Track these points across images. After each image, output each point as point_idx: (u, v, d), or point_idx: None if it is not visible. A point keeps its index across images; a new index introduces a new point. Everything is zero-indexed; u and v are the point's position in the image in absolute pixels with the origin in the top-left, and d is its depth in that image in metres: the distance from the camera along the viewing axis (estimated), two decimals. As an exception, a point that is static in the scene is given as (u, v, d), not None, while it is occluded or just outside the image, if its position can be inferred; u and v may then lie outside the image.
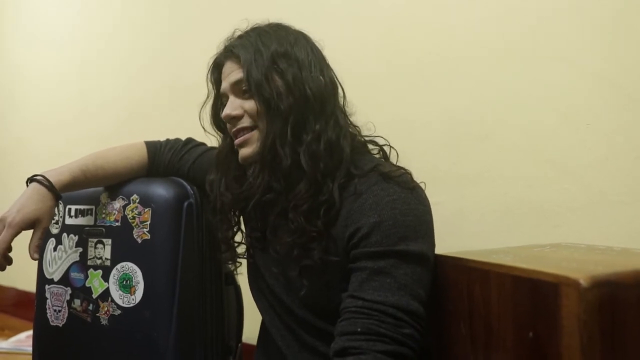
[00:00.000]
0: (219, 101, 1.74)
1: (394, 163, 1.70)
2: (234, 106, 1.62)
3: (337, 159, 1.56)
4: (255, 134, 1.61)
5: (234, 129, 1.65)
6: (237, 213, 1.79)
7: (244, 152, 1.64)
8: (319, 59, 1.66)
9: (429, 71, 2.23)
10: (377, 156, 1.73)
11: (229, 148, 1.73)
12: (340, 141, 1.58)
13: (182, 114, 1.75)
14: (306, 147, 1.55)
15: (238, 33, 1.69)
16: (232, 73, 1.63)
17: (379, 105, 2.25)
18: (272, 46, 1.59)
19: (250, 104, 1.60)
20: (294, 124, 1.55)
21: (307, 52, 1.63)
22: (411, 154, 1.72)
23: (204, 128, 1.79)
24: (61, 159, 1.93)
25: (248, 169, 1.67)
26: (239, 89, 1.62)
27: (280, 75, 1.57)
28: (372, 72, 2.37)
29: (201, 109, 1.78)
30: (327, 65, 1.69)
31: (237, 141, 1.65)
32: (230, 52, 1.65)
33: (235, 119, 1.63)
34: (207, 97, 1.77)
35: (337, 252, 1.54)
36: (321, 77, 1.61)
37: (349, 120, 1.70)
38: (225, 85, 1.66)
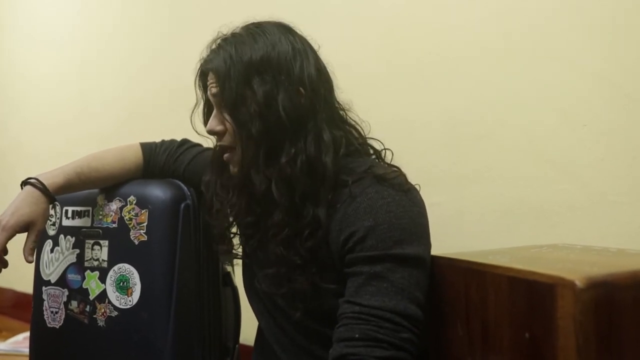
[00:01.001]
0: (209, 104, 1.71)
1: (389, 162, 1.69)
2: (217, 121, 1.61)
3: (318, 178, 1.53)
4: (235, 153, 1.60)
5: (218, 144, 1.66)
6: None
7: (231, 169, 1.64)
8: (302, 59, 1.58)
9: (428, 71, 2.22)
10: (372, 156, 1.71)
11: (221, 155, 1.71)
12: (321, 157, 1.53)
13: (182, 114, 1.74)
14: (278, 173, 1.52)
15: (221, 36, 1.64)
16: (212, 85, 1.60)
17: (378, 105, 2.25)
18: (246, 57, 1.54)
19: (229, 122, 1.58)
20: (266, 149, 1.53)
21: (287, 55, 1.56)
22: (411, 154, 1.73)
23: (196, 131, 1.77)
24: (61, 159, 1.93)
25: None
26: (219, 103, 1.60)
27: (253, 95, 1.52)
28: (372, 72, 2.37)
29: (192, 113, 1.75)
30: (312, 63, 1.60)
31: (224, 157, 1.65)
32: (208, 64, 1.61)
33: (218, 134, 1.62)
34: (196, 103, 1.75)
35: (329, 276, 1.53)
36: (301, 89, 1.55)
37: (347, 116, 1.68)
38: (210, 95, 1.63)
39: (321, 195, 1.52)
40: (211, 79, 1.61)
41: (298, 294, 1.56)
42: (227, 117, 1.57)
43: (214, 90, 1.59)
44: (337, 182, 1.53)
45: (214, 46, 1.64)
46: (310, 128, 1.54)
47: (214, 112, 1.62)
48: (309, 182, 1.52)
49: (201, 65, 1.68)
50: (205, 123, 1.72)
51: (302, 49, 1.60)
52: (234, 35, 1.62)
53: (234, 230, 1.77)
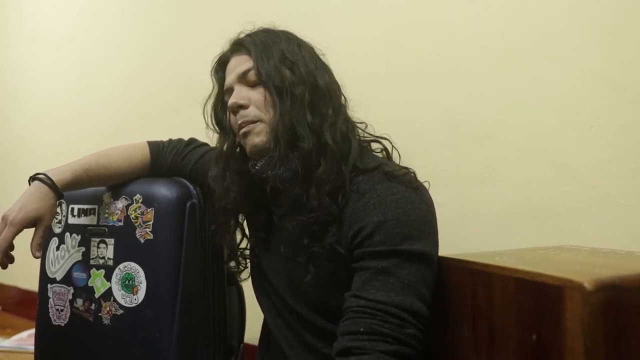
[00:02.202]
0: (221, 98, 1.74)
1: (397, 163, 1.70)
2: (240, 95, 1.62)
3: (347, 149, 1.58)
4: (258, 125, 1.61)
5: (239, 121, 1.64)
6: (240, 217, 1.80)
7: (252, 139, 1.62)
8: (322, 63, 1.69)
9: (429, 71, 2.23)
10: (380, 155, 1.73)
11: (230, 145, 1.73)
12: (349, 134, 1.60)
13: (183, 113, 1.76)
14: (329, 125, 1.57)
15: (245, 32, 1.70)
16: (240, 65, 1.64)
17: (379, 105, 2.25)
18: (280, 45, 1.61)
19: (256, 95, 1.60)
20: (311, 107, 1.57)
21: (311, 54, 1.66)
22: (412, 155, 1.72)
23: (206, 123, 1.78)
24: (62, 158, 1.93)
25: (249, 168, 1.66)
26: (245, 79, 1.62)
27: (289, 68, 1.59)
28: (373, 72, 2.37)
29: (206, 102, 1.78)
30: (329, 71, 1.70)
31: (241, 131, 1.64)
32: (239, 45, 1.67)
33: (242, 107, 1.62)
34: (212, 91, 1.77)
35: (342, 248, 1.54)
36: (326, 76, 1.64)
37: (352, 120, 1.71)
38: (231, 77, 1.66)
39: (349, 163, 1.57)
40: (237, 61, 1.67)
41: (314, 256, 1.57)
42: (252, 92, 1.62)
43: (242, 67, 1.64)
44: (355, 165, 1.58)
45: (241, 36, 1.71)
46: (338, 106, 1.62)
47: (236, 89, 1.64)
48: (344, 149, 1.57)
49: (224, 54, 1.73)
50: (215, 114, 1.77)
51: (320, 58, 1.71)
52: (262, 29, 1.70)
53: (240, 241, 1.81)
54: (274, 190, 1.60)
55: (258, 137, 1.61)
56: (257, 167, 1.63)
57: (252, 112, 1.61)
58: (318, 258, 1.56)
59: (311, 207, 1.55)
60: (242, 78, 1.63)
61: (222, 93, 1.73)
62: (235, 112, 1.65)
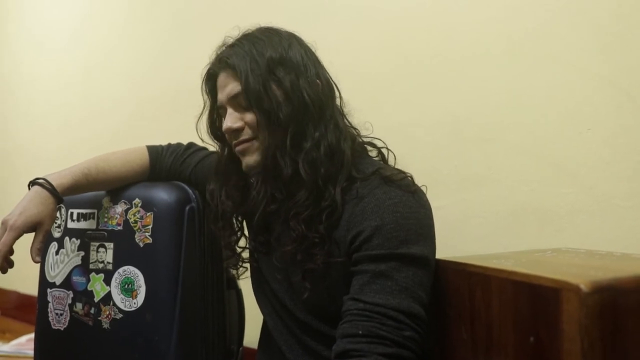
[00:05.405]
0: (215, 111, 1.73)
1: (394, 166, 1.70)
2: (234, 119, 1.61)
3: (338, 162, 1.57)
4: (254, 143, 1.61)
5: (234, 141, 1.64)
6: (239, 218, 1.79)
7: (247, 160, 1.63)
8: (313, 60, 1.66)
9: (431, 73, 2.23)
10: (376, 159, 1.73)
11: (228, 157, 1.73)
12: (340, 144, 1.58)
13: (187, 116, 1.75)
14: (305, 156, 1.55)
15: (230, 40, 1.67)
16: (229, 85, 1.61)
17: (381, 107, 2.26)
18: (267, 53, 1.58)
19: (250, 116, 1.59)
20: (293, 133, 1.55)
21: (301, 55, 1.62)
22: (413, 157, 1.73)
23: (201, 139, 1.78)
24: (63, 163, 1.93)
25: (249, 178, 1.68)
26: (237, 102, 1.61)
27: (278, 84, 1.56)
28: (374, 73, 2.37)
29: (198, 120, 1.77)
30: (322, 67, 1.69)
31: (237, 149, 1.64)
32: (224, 62, 1.63)
33: (237, 131, 1.62)
34: (204, 107, 1.76)
35: (339, 254, 1.55)
36: (318, 81, 1.61)
37: (347, 120, 1.70)
38: (222, 97, 1.64)
39: (339, 181, 1.56)
40: (226, 78, 1.63)
41: (309, 273, 1.57)
42: (246, 114, 1.60)
43: (232, 90, 1.61)
44: (350, 174, 1.57)
45: (224, 48, 1.67)
46: (328, 117, 1.60)
47: (229, 111, 1.63)
48: (330, 167, 1.55)
49: (211, 67, 1.70)
50: (212, 126, 1.75)
51: (311, 52, 1.68)
52: (246, 35, 1.66)
53: (241, 243, 1.80)
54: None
55: (252, 156, 1.62)
56: (247, 202, 1.68)
57: (247, 133, 1.62)
58: (312, 275, 1.57)
59: (292, 237, 1.57)
60: (233, 100, 1.61)
61: (216, 106, 1.72)
62: (231, 135, 1.65)
